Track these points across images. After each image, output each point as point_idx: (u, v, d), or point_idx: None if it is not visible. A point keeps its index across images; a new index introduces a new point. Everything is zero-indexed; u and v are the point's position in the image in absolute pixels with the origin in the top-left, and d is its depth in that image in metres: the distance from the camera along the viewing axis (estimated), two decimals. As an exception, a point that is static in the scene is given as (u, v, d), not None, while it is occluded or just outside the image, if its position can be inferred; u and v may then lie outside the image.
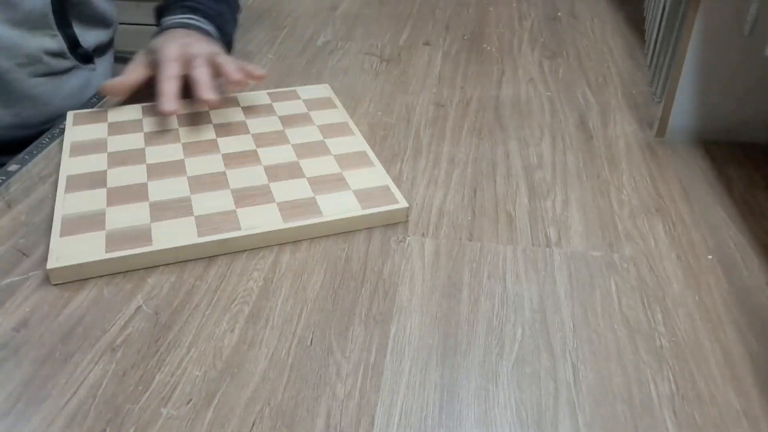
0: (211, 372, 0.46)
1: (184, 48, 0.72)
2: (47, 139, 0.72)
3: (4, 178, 0.66)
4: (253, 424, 0.42)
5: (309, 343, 0.48)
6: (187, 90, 0.71)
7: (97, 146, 0.67)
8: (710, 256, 0.55)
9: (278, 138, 0.68)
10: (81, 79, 0.88)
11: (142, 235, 0.55)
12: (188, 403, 0.44)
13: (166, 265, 0.55)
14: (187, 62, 0.71)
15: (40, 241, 0.57)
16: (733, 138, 0.71)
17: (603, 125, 0.75)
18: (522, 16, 1.07)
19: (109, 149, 0.67)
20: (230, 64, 0.71)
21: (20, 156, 0.69)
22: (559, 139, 0.72)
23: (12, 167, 0.67)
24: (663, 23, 0.77)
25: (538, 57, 0.92)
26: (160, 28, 0.79)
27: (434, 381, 0.45)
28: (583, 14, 1.07)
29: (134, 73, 0.73)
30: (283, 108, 0.75)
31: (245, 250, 0.56)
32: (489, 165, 0.68)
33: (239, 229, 0.56)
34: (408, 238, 0.58)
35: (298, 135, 0.69)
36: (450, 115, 0.77)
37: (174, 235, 0.55)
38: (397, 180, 0.65)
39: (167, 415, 0.43)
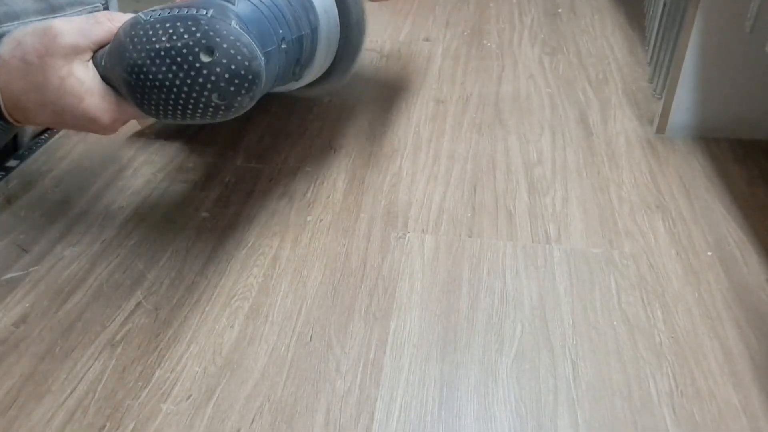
0: (210, 368, 0.46)
1: None
2: (46, 135, 0.72)
3: (3, 173, 0.66)
4: (252, 420, 0.42)
5: (309, 339, 0.48)
6: None
7: None
8: (710, 253, 0.55)
9: None
10: None
11: None
12: (188, 398, 0.44)
13: (166, 260, 0.55)
14: None
15: (39, 237, 0.57)
16: (734, 134, 0.71)
17: (603, 122, 0.75)
18: (522, 12, 1.07)
19: None
20: None
21: (20, 151, 0.69)
22: (559, 136, 0.72)
23: (11, 163, 0.67)
24: (664, 19, 0.77)
25: (538, 53, 0.92)
26: None
27: (434, 377, 0.45)
28: (583, 10, 1.06)
29: None
30: None
31: (245, 248, 0.56)
32: (489, 161, 0.68)
33: None
34: (408, 235, 0.58)
35: None
36: (450, 111, 0.77)
37: None
38: (397, 176, 0.65)
39: (167, 410, 0.43)
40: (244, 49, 0.42)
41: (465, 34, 0.99)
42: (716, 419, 0.42)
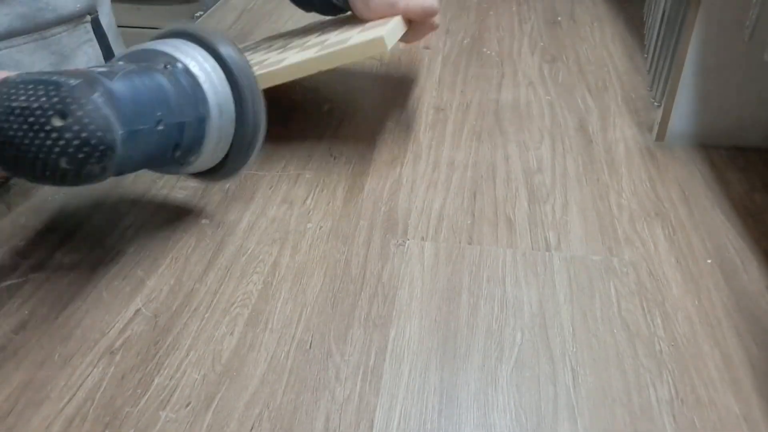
0: (210, 375, 0.46)
1: None
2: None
3: (3, 180, 0.66)
4: (252, 428, 0.42)
5: (308, 346, 0.48)
6: None
7: None
8: (710, 261, 0.55)
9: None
10: None
11: None
12: (187, 406, 0.43)
13: (165, 267, 0.55)
14: None
15: (39, 244, 0.57)
16: (733, 142, 0.71)
17: (603, 129, 0.75)
18: (522, 20, 1.07)
19: None
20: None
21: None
22: (558, 143, 0.72)
23: (12, 169, 0.67)
24: (663, 27, 0.77)
25: (538, 61, 0.92)
26: None
27: (433, 385, 0.45)
28: (582, 18, 1.07)
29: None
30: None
31: (244, 255, 0.56)
32: (489, 169, 0.68)
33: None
34: (407, 242, 0.58)
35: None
36: (450, 119, 0.77)
37: None
38: (397, 183, 0.65)
39: (166, 418, 0.43)
40: (100, 120, 0.43)
41: (465, 42, 0.99)
42: (717, 427, 0.42)
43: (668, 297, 0.52)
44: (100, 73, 0.46)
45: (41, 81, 0.43)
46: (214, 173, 0.60)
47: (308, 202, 0.63)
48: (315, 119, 0.78)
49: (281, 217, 0.61)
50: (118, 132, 0.44)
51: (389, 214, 0.61)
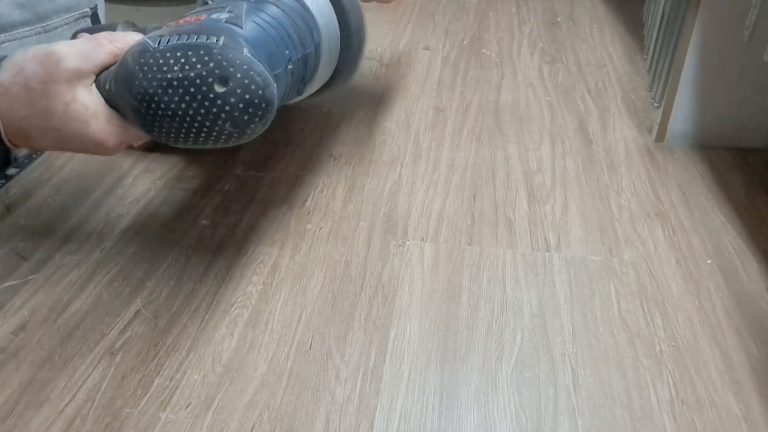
0: (210, 376, 0.46)
1: None
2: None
3: (3, 181, 0.66)
4: (252, 429, 0.42)
5: (308, 347, 0.48)
6: None
7: None
8: (710, 261, 0.55)
9: None
10: None
11: None
12: (187, 407, 0.43)
13: (165, 268, 0.55)
14: None
15: (39, 245, 0.57)
16: (733, 143, 0.71)
17: (602, 130, 0.75)
18: (521, 21, 1.07)
19: None
20: None
21: (20, 160, 0.69)
22: (558, 144, 0.72)
23: (11, 171, 0.67)
24: (662, 28, 0.77)
25: (538, 62, 0.92)
26: None
27: (434, 385, 0.45)
28: (582, 19, 1.07)
29: None
30: None
31: (244, 256, 0.56)
32: (488, 169, 0.68)
33: None
34: (407, 243, 0.58)
35: None
36: (449, 120, 0.77)
37: None
38: (397, 184, 0.65)
39: (166, 419, 0.43)
40: (258, 78, 0.41)
41: (464, 42, 0.99)
42: (717, 427, 0.42)
43: (668, 297, 0.52)
44: (227, 21, 0.44)
45: (188, 46, 0.41)
46: (321, 92, 0.59)
47: (308, 203, 0.63)
48: (315, 120, 0.78)
49: (281, 218, 0.61)
50: (274, 85, 0.42)
51: (389, 215, 0.61)
